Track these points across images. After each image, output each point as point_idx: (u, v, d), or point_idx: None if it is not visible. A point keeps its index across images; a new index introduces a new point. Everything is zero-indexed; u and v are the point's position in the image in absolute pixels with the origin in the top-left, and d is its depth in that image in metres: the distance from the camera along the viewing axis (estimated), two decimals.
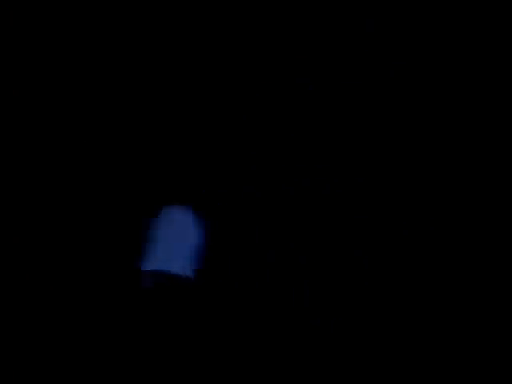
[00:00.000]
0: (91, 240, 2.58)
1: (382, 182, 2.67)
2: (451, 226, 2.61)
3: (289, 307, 2.50)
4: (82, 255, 2.56)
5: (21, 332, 2.45)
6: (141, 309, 2.26)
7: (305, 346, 2.43)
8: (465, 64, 2.71)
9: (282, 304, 2.50)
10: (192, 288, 2.25)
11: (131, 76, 2.69)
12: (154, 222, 2.32)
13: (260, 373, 2.34)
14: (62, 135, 2.65)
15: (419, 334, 2.46)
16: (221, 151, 2.66)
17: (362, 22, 2.74)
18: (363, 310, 2.52)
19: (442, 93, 2.72)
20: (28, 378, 2.37)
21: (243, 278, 2.49)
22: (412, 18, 2.72)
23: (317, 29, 2.77)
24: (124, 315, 2.39)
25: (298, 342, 2.44)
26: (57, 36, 2.76)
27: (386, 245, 2.59)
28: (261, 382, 2.34)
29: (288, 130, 2.73)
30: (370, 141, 2.72)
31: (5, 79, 2.73)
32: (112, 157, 2.65)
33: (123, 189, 2.62)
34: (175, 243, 2.25)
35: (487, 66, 2.69)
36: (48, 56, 2.75)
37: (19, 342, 2.43)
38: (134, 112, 2.68)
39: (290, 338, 2.44)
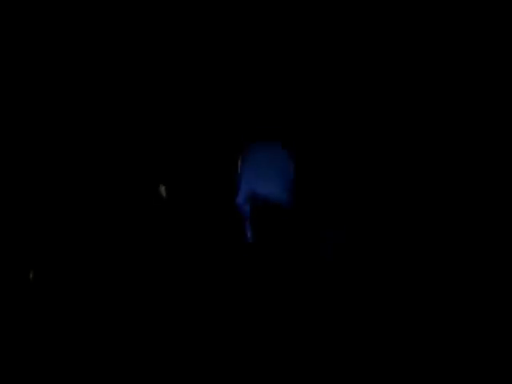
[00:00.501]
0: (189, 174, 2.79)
1: (382, 182, 2.68)
2: (451, 226, 2.61)
3: (288, 307, 2.50)
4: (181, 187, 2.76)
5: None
6: (238, 231, 2.43)
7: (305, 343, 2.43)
8: (465, 64, 2.71)
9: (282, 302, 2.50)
10: (285, 212, 2.43)
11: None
12: (248, 154, 2.52)
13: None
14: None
15: (420, 334, 2.45)
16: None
17: (362, 22, 2.74)
18: (364, 309, 2.51)
19: (443, 93, 2.72)
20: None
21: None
22: (412, 18, 2.73)
23: (317, 29, 2.77)
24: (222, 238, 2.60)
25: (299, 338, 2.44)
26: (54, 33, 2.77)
27: (385, 244, 2.59)
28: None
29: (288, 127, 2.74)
30: (370, 140, 2.72)
31: (4, 79, 2.73)
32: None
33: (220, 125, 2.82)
34: (268, 171, 2.43)
35: (487, 66, 2.69)
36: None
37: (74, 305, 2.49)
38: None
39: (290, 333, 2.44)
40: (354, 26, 2.73)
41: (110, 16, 2.74)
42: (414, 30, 2.72)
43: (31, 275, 2.55)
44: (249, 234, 2.42)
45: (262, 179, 2.39)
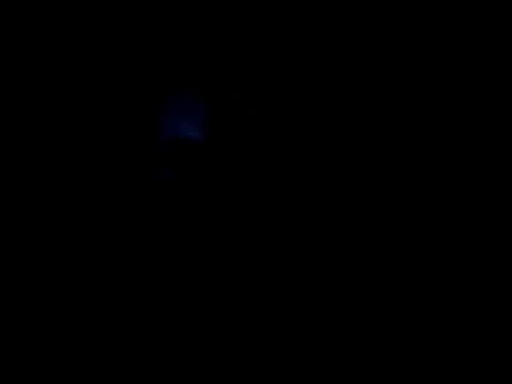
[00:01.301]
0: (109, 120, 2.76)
1: (382, 180, 2.68)
2: (450, 225, 2.61)
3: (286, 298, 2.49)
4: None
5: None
6: (157, 176, 2.53)
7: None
8: (465, 64, 2.73)
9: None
10: (202, 151, 2.56)
11: None
12: (166, 103, 2.66)
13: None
14: None
15: (420, 333, 2.46)
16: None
17: (361, 23, 2.75)
18: (363, 307, 2.51)
19: (443, 93, 2.73)
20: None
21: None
22: (412, 18, 2.74)
23: (317, 28, 2.77)
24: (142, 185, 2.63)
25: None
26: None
27: (385, 242, 2.60)
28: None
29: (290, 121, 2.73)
30: (369, 140, 2.72)
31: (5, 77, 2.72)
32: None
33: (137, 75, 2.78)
34: (185, 116, 2.62)
35: (487, 66, 2.70)
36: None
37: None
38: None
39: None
40: None
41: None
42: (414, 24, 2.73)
43: None
44: (167, 173, 2.57)
45: (180, 123, 2.56)
